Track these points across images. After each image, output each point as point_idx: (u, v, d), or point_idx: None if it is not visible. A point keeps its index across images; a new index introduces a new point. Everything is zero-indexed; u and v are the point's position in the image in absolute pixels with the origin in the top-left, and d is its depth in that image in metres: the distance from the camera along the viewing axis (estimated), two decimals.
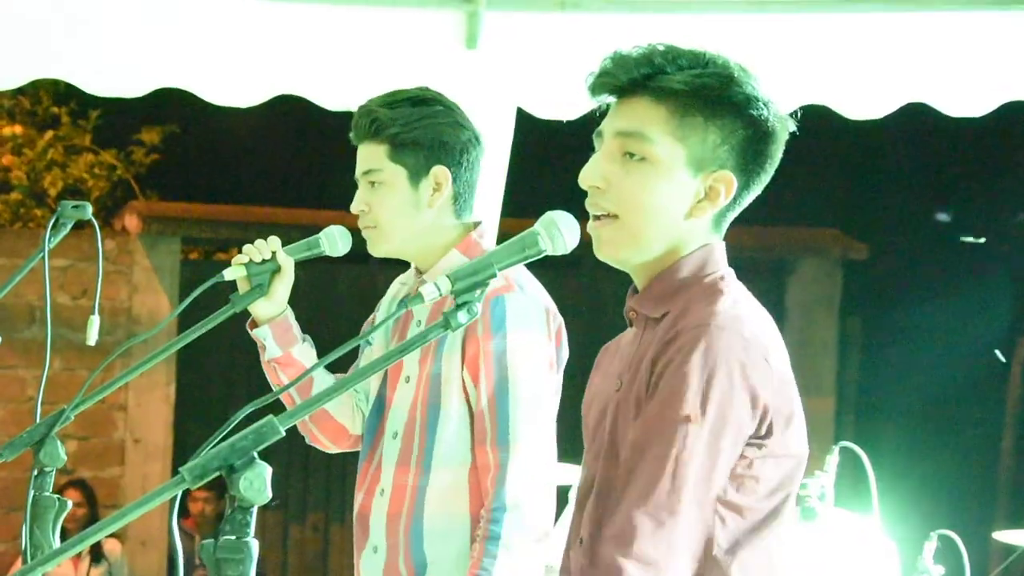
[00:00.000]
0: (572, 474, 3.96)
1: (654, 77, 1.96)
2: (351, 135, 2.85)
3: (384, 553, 2.79)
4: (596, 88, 2.00)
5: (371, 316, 3.01)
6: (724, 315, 1.91)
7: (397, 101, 2.81)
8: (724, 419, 1.88)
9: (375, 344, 2.92)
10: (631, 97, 1.98)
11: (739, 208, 2.02)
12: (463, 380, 2.74)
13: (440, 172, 2.80)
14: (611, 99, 2.01)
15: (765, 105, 1.97)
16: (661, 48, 1.96)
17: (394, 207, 2.80)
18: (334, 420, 2.95)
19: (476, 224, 2.87)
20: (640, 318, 2.04)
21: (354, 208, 2.82)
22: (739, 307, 1.96)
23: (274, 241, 2.80)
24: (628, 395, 1.97)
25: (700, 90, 1.95)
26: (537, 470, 2.72)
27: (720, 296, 1.95)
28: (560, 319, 2.82)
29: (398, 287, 2.97)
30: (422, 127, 2.79)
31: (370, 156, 2.80)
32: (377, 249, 2.84)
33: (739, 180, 1.98)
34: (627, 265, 2.03)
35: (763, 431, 1.91)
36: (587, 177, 1.99)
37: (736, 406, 1.88)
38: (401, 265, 2.98)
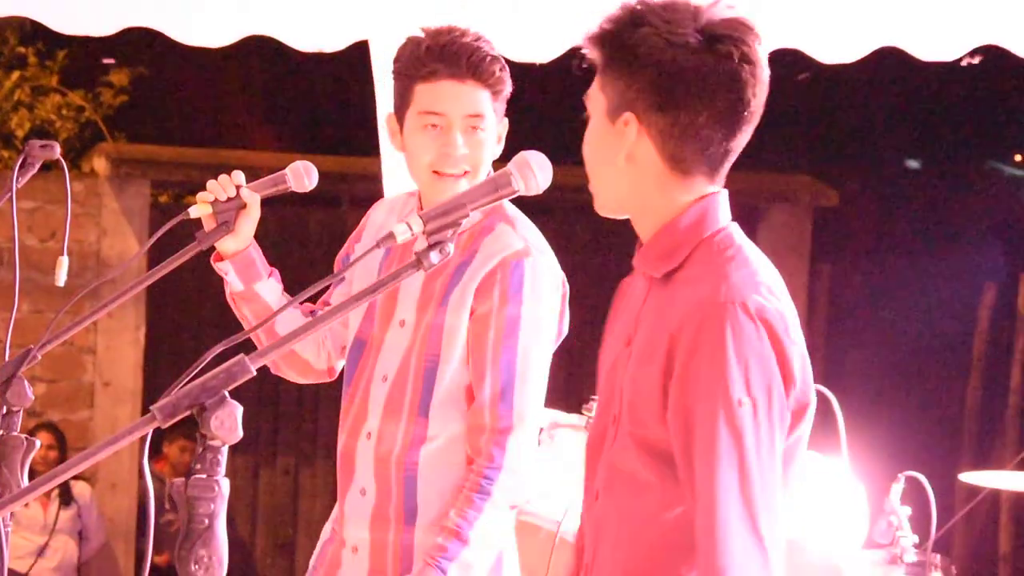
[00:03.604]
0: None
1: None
2: (436, 66, 2.73)
3: (373, 496, 2.78)
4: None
5: (345, 247, 2.97)
6: (740, 288, 1.92)
7: (497, 53, 2.78)
8: (771, 400, 1.90)
9: (358, 278, 2.88)
10: None
11: (697, 146, 1.98)
12: (468, 336, 2.73)
13: (504, 124, 2.83)
14: None
15: (672, 44, 1.95)
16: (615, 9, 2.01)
17: (490, 156, 2.79)
18: (298, 356, 2.94)
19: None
20: (646, 273, 2.05)
21: (458, 149, 2.74)
22: (751, 271, 1.96)
23: (239, 176, 2.77)
24: (642, 361, 1.97)
25: (602, 40, 2.00)
26: (534, 439, 2.74)
27: (728, 262, 1.96)
28: (567, 288, 2.81)
29: (385, 215, 2.93)
30: (509, 81, 2.80)
31: (478, 100, 2.75)
32: (458, 190, 2.75)
33: (659, 119, 1.97)
34: (620, 216, 2.07)
35: (796, 406, 1.94)
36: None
37: (775, 390, 1.90)
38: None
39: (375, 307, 2.85)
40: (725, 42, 1.95)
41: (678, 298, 1.95)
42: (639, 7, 1.98)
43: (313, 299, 2.88)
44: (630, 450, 1.98)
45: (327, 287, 2.94)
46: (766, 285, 1.95)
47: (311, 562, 2.94)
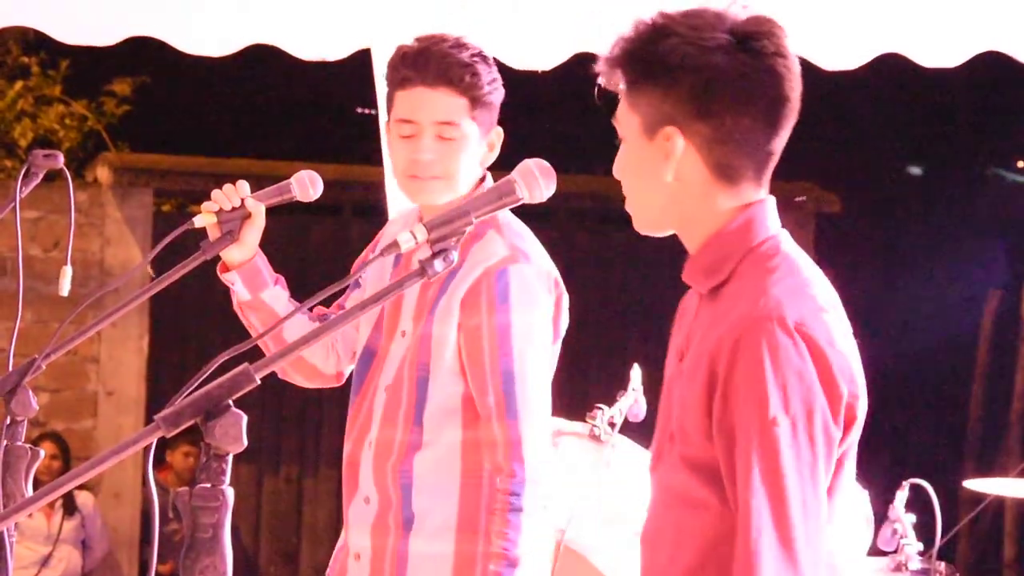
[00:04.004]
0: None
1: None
2: (409, 73, 2.75)
3: (376, 505, 2.80)
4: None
5: (362, 256, 2.99)
6: (780, 302, 1.87)
7: (477, 59, 2.76)
8: (812, 415, 1.85)
9: (370, 288, 2.89)
10: None
11: (746, 151, 1.94)
12: (459, 347, 2.73)
13: (498, 134, 2.82)
14: None
15: (706, 48, 1.91)
16: (630, 28, 1.96)
17: (468, 164, 2.77)
18: (305, 361, 2.95)
19: (482, 178, 2.85)
20: (694, 289, 2.02)
21: (424, 154, 2.74)
22: (796, 281, 1.91)
23: (244, 187, 2.78)
24: (689, 379, 1.94)
25: (629, 56, 1.95)
26: (547, 444, 2.74)
27: (771, 272, 1.91)
28: (562, 288, 2.80)
29: (399, 228, 2.91)
30: (496, 88, 2.79)
31: (449, 107, 2.73)
32: (433, 198, 2.77)
33: (702, 128, 1.93)
34: (667, 234, 2.03)
35: (846, 418, 1.90)
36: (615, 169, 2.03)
37: (816, 404, 1.86)
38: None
39: (383, 318, 2.86)
40: (758, 39, 1.92)
41: (723, 314, 1.91)
42: (661, 20, 1.93)
43: (326, 303, 2.89)
44: (680, 469, 1.95)
45: (340, 292, 2.96)
46: (810, 296, 1.91)
47: (327, 572, 2.95)
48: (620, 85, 1.98)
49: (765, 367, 1.84)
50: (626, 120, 1.97)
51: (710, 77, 1.91)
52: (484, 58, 2.79)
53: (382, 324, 2.85)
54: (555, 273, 2.79)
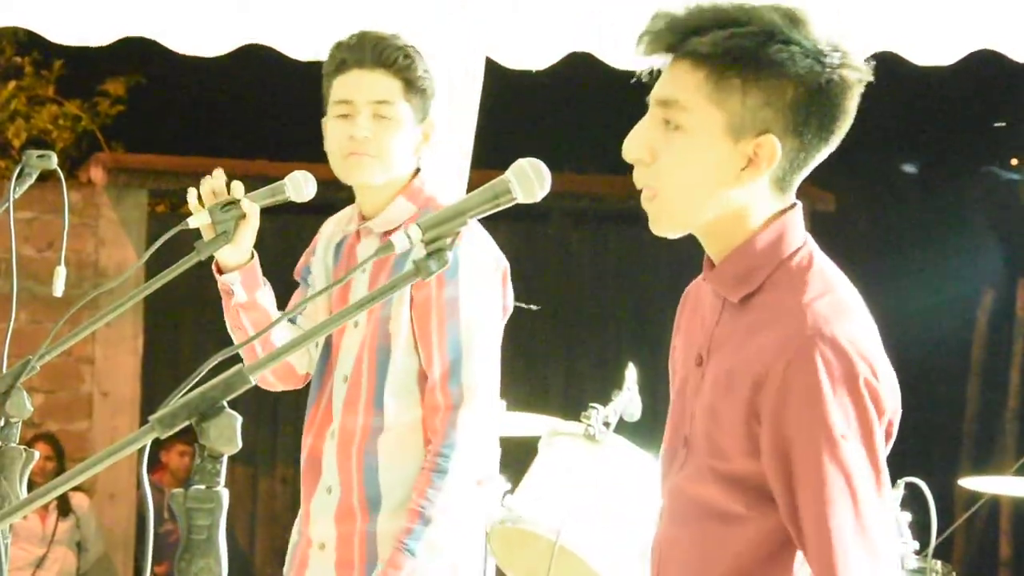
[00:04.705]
0: (527, 424, 3.98)
1: (688, 40, 1.85)
2: (346, 57, 2.85)
3: (339, 492, 2.83)
4: (644, 50, 1.89)
5: (302, 259, 3.04)
6: (827, 319, 1.82)
7: (410, 47, 2.86)
8: (871, 430, 1.83)
9: (316, 286, 2.97)
10: (675, 60, 1.87)
11: (804, 169, 1.90)
12: (412, 322, 2.78)
13: (430, 124, 2.90)
14: (668, 58, 1.89)
15: (818, 58, 1.83)
16: (705, 6, 1.85)
17: (402, 145, 2.85)
18: (287, 362, 2.98)
19: (416, 171, 2.92)
20: (719, 295, 1.94)
21: (359, 132, 2.82)
22: (835, 297, 1.86)
23: (238, 187, 2.81)
24: (721, 392, 1.89)
25: (733, 51, 1.82)
26: (488, 415, 2.79)
27: (810, 288, 1.85)
28: (506, 263, 2.87)
29: (333, 227, 3.02)
30: (430, 77, 2.88)
31: (385, 87, 2.83)
32: (367, 177, 2.85)
33: (791, 142, 1.85)
34: (686, 234, 1.94)
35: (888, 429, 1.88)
36: (628, 150, 1.89)
37: (872, 419, 1.83)
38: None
39: (332, 312, 2.90)
40: (851, 61, 1.86)
41: (759, 328, 1.86)
42: (769, 18, 1.83)
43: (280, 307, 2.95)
44: (707, 482, 1.91)
45: (293, 290, 3.03)
46: (855, 312, 1.87)
47: (284, 569, 2.98)
48: (684, 64, 1.85)
49: (823, 386, 1.79)
50: (701, 112, 1.85)
51: (817, 92, 1.84)
52: (417, 51, 2.89)
53: None
54: (497, 252, 2.86)
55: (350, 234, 2.96)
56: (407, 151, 2.86)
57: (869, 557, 1.81)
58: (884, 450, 1.86)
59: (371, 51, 2.83)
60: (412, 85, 2.84)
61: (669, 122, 1.87)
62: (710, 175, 1.87)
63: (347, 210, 3.03)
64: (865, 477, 1.82)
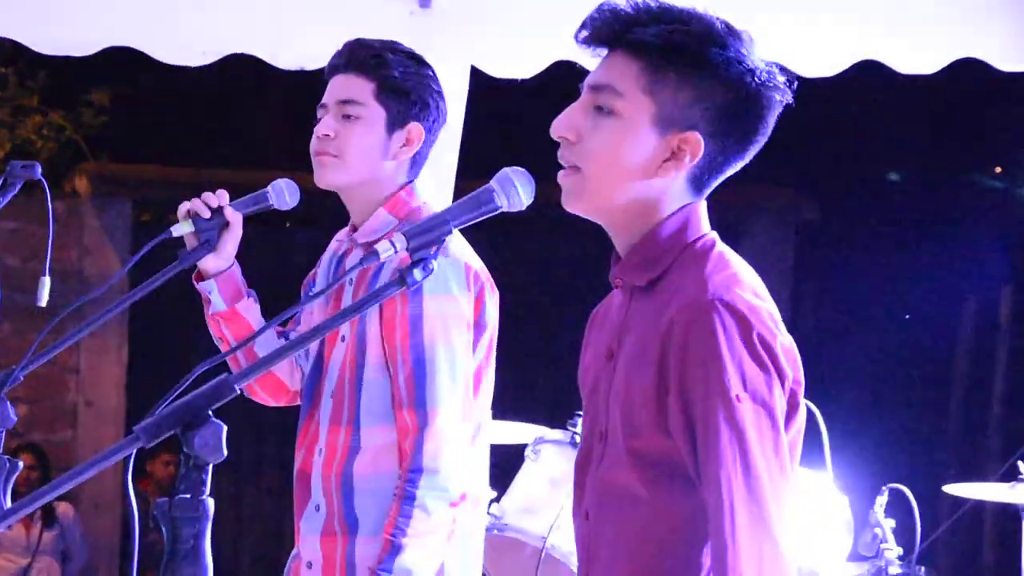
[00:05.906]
0: (513, 432, 3.98)
1: (631, 30, 1.91)
2: (331, 63, 2.84)
3: (324, 512, 2.81)
4: (582, 40, 1.95)
5: (311, 272, 3.00)
6: (725, 286, 1.87)
7: (398, 49, 2.83)
8: (769, 393, 1.85)
9: (313, 304, 2.92)
10: (613, 50, 1.93)
11: (721, 173, 1.96)
12: (381, 340, 2.74)
13: (416, 129, 2.81)
14: (603, 51, 1.95)
15: (750, 71, 1.90)
16: (651, 3, 1.91)
17: (366, 145, 2.79)
18: (274, 376, 2.97)
19: (407, 184, 2.86)
20: (626, 285, 1.99)
21: (321, 130, 2.78)
22: (736, 272, 1.92)
23: (222, 195, 2.80)
24: (632, 370, 1.93)
25: (673, 46, 1.89)
26: (453, 434, 2.72)
27: (712, 264, 1.91)
28: (486, 276, 2.80)
29: (336, 244, 2.97)
30: (416, 80, 2.81)
31: (354, 87, 2.79)
32: (330, 178, 2.80)
33: (713, 144, 1.92)
34: (596, 219, 1.98)
35: (790, 397, 1.90)
36: (557, 127, 1.94)
37: (771, 382, 1.86)
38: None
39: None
40: (781, 76, 1.93)
41: (666, 304, 1.91)
42: (710, 21, 1.90)
43: (284, 322, 2.91)
44: (623, 466, 1.94)
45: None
46: (750, 285, 1.92)
47: None
48: (621, 54, 1.92)
49: (721, 346, 1.84)
50: (634, 100, 1.91)
51: (744, 101, 1.91)
52: (404, 55, 2.83)
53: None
54: (476, 263, 2.78)
55: (347, 247, 2.92)
56: (374, 153, 2.79)
57: (753, 522, 1.82)
58: (784, 415, 1.88)
59: (347, 55, 2.81)
60: (387, 86, 2.78)
61: (601, 108, 1.93)
62: (632, 161, 1.92)
63: (346, 228, 2.98)
64: (758, 439, 1.84)
